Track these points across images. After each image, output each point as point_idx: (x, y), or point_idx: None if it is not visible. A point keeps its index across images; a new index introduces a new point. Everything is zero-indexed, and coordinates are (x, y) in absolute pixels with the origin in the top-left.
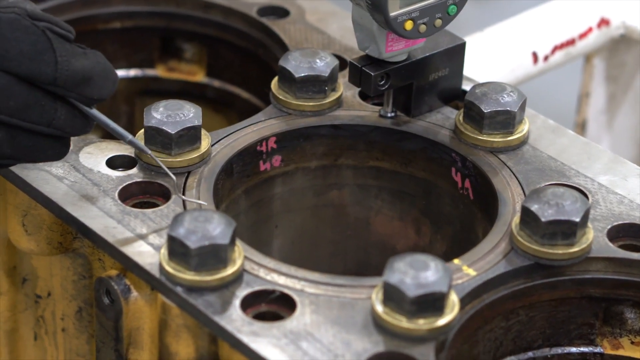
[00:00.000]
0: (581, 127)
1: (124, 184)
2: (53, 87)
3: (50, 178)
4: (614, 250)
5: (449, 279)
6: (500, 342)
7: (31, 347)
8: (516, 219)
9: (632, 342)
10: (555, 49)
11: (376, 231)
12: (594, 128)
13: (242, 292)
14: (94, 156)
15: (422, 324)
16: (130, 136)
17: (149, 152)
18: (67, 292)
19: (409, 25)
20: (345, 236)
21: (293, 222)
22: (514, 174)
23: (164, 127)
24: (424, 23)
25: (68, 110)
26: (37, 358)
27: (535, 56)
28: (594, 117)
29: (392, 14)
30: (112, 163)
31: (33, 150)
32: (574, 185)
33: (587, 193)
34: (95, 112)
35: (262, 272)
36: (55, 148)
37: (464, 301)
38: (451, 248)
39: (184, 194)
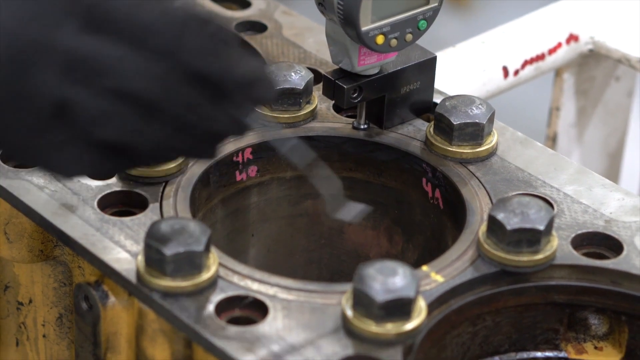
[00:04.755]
0: (552, 141)
1: (103, 193)
2: (223, 85)
3: (32, 187)
4: (578, 258)
5: (416, 285)
6: (467, 346)
7: (13, 353)
8: (483, 227)
9: (596, 347)
10: (526, 63)
11: (350, 240)
12: (565, 141)
13: (217, 297)
14: None
15: (390, 328)
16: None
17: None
18: (48, 299)
19: (380, 39)
20: (319, 245)
21: (269, 231)
22: (482, 184)
23: None
24: (395, 37)
25: (231, 111)
26: None
27: (505, 70)
28: (565, 131)
29: (364, 28)
30: None
31: (195, 147)
32: (540, 195)
33: (553, 202)
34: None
35: (236, 278)
36: (212, 148)
37: (432, 306)
38: (422, 256)
39: (161, 203)
